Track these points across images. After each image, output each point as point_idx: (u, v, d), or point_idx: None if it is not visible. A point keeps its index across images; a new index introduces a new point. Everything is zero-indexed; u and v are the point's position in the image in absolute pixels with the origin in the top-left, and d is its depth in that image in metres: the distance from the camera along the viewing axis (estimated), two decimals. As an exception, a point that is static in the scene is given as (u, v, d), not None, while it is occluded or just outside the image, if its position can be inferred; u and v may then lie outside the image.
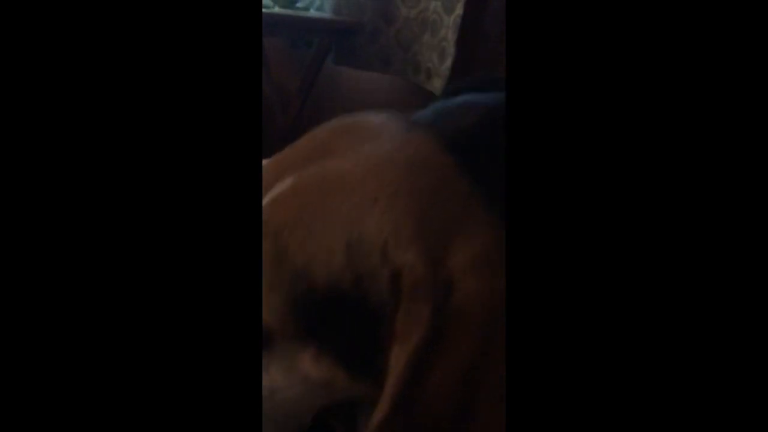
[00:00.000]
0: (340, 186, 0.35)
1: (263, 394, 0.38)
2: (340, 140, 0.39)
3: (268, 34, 1.42)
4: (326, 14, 1.46)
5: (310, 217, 0.35)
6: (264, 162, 0.38)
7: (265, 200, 0.37)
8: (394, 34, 1.46)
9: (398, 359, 0.33)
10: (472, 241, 0.34)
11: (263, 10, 1.18)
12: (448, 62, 1.32)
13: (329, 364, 0.37)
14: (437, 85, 1.36)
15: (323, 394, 0.39)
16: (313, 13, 1.43)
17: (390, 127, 0.39)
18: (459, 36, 1.28)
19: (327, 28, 1.41)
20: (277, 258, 0.34)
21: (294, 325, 0.35)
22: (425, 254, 0.34)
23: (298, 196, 0.36)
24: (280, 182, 0.37)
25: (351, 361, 0.36)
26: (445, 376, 0.33)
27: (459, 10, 1.26)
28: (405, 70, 1.47)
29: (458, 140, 0.38)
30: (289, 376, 0.38)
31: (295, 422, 0.40)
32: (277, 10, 1.24)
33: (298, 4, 1.40)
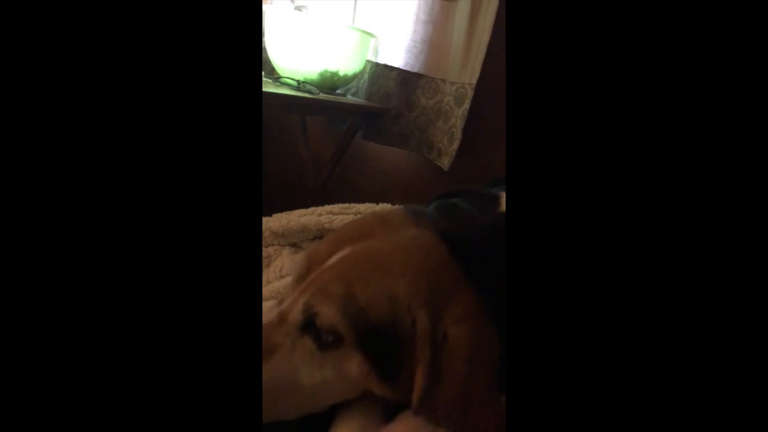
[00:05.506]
0: (383, 262, 0.49)
1: (316, 382, 0.49)
2: (377, 227, 0.54)
3: (311, 113, 1.62)
4: (360, 100, 1.60)
5: (368, 278, 0.48)
6: (329, 236, 0.55)
7: (333, 258, 0.51)
8: (413, 119, 1.57)
9: (418, 374, 0.46)
10: (459, 305, 0.47)
11: (310, 96, 1.31)
12: (455, 144, 1.42)
13: (367, 370, 0.49)
14: (446, 162, 1.46)
15: (355, 390, 0.51)
16: (349, 98, 1.57)
17: (408, 221, 0.54)
18: (465, 125, 1.40)
19: (359, 111, 1.54)
20: (349, 297, 0.48)
21: (355, 339, 0.47)
22: (430, 313, 0.47)
23: (358, 262, 0.50)
24: (342, 249, 0.52)
25: (381, 371, 0.48)
26: (447, 384, 0.46)
27: (466, 105, 1.38)
28: (420, 148, 1.58)
29: (450, 232, 0.51)
30: (339, 374, 0.50)
31: (323, 404, 0.52)
32: (321, 96, 1.36)
33: (338, 92, 1.52)
